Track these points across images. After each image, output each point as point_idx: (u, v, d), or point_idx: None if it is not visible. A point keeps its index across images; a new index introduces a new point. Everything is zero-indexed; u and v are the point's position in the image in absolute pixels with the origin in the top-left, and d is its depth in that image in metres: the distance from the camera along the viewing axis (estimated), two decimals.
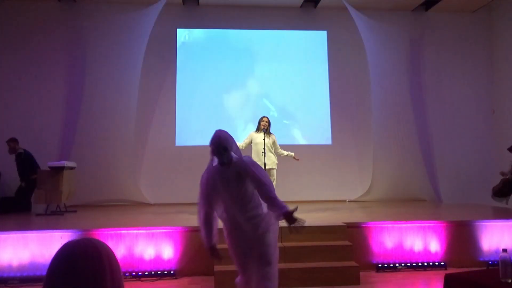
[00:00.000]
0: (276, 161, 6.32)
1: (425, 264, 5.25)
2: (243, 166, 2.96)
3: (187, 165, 8.84)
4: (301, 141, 9.31)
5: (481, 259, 5.40)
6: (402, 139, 8.85)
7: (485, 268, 5.19)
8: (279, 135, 6.74)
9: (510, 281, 2.84)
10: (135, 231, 5.07)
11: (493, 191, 7.40)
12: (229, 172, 2.96)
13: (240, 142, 6.07)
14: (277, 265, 3.07)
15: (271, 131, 6.37)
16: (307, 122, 9.40)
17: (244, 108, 9.21)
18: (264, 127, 6.17)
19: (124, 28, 8.47)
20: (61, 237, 4.89)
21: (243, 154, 3.09)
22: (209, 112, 9.15)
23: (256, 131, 6.33)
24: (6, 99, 8.53)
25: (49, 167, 6.74)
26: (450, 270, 4.94)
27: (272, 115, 9.04)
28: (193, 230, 5.13)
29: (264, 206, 3.02)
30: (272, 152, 6.20)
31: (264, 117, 6.33)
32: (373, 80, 9.03)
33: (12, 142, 7.39)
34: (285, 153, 6.38)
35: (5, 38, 8.67)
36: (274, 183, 5.92)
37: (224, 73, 9.31)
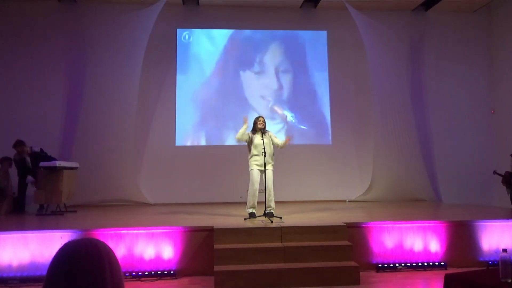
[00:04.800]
0: (273, 162, 6.00)
1: (425, 264, 5.25)
2: None
3: (187, 165, 8.86)
4: (301, 141, 9.30)
5: (481, 259, 5.40)
6: (402, 139, 8.85)
7: (485, 268, 5.19)
8: (278, 134, 6.65)
9: (510, 281, 2.84)
10: (135, 231, 5.07)
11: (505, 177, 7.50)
12: None
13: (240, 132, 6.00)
14: None
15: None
16: (307, 122, 9.41)
17: (244, 107, 9.19)
18: (261, 126, 5.96)
19: (124, 28, 8.48)
20: (61, 237, 4.89)
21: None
22: (209, 112, 9.16)
23: (252, 131, 6.04)
24: (6, 99, 8.54)
25: (41, 167, 6.74)
26: (450, 270, 4.94)
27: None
28: (193, 230, 5.14)
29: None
30: (270, 153, 5.92)
31: (260, 116, 6.10)
32: (373, 79, 9.04)
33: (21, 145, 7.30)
34: (281, 142, 6.08)
35: (5, 38, 8.67)
36: (271, 183, 5.87)
37: (224, 73, 9.31)
